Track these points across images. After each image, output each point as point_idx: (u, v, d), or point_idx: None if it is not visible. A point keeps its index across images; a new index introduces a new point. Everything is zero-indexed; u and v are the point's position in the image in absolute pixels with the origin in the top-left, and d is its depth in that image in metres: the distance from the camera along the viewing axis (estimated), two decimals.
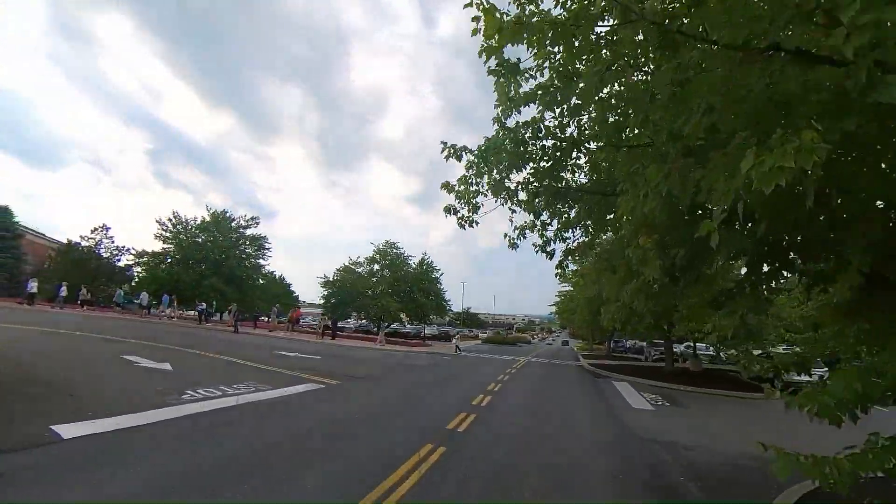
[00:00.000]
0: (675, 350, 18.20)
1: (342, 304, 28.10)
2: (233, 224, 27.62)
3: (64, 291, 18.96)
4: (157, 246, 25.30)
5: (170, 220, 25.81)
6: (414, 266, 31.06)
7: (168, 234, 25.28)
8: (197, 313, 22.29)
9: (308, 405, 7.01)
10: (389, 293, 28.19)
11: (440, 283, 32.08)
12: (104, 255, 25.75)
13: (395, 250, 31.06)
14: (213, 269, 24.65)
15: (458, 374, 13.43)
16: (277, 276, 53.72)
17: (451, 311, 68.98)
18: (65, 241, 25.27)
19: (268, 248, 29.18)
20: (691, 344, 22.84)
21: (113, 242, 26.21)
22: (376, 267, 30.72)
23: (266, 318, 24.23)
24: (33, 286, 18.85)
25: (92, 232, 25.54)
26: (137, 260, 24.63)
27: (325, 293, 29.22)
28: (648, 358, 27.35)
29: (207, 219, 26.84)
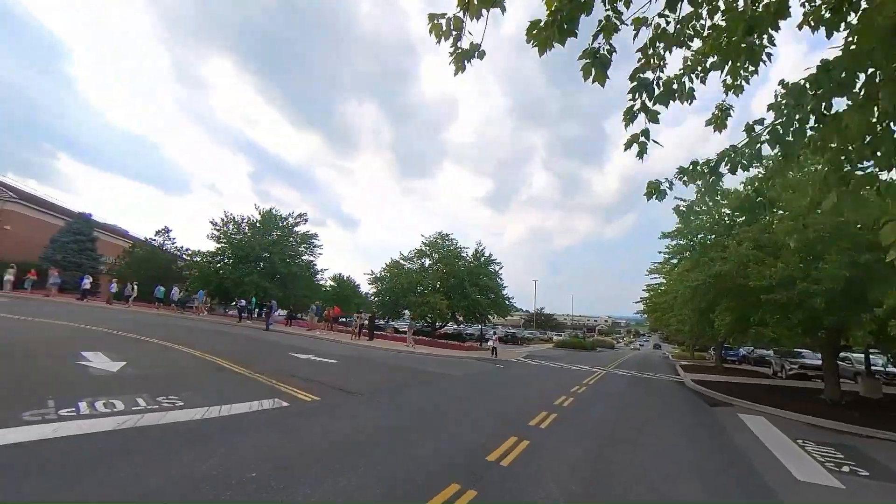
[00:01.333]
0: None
1: (390, 302, 26.02)
2: (282, 222, 27.16)
3: (114, 288, 19.51)
4: (213, 246, 25.65)
5: (221, 219, 26.03)
6: (469, 259, 27.87)
7: (220, 234, 25.44)
8: (237, 310, 21.83)
9: (221, 440, 4.43)
10: (439, 289, 25.35)
11: (500, 278, 28.41)
12: (167, 255, 26.98)
13: (447, 242, 28.20)
14: (256, 267, 24.26)
15: (493, 392, 10.00)
16: (345, 277, 54.75)
17: (520, 311, 64.34)
18: (135, 242, 26.97)
19: (318, 246, 28.31)
20: (848, 355, 16.09)
21: (174, 243, 27.48)
22: (427, 262, 28.15)
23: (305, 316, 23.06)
24: (87, 283, 19.69)
25: (156, 234, 27.02)
26: (191, 259, 25.22)
27: (374, 290, 27.46)
28: (779, 373, 20.69)
29: (257, 217, 26.69)
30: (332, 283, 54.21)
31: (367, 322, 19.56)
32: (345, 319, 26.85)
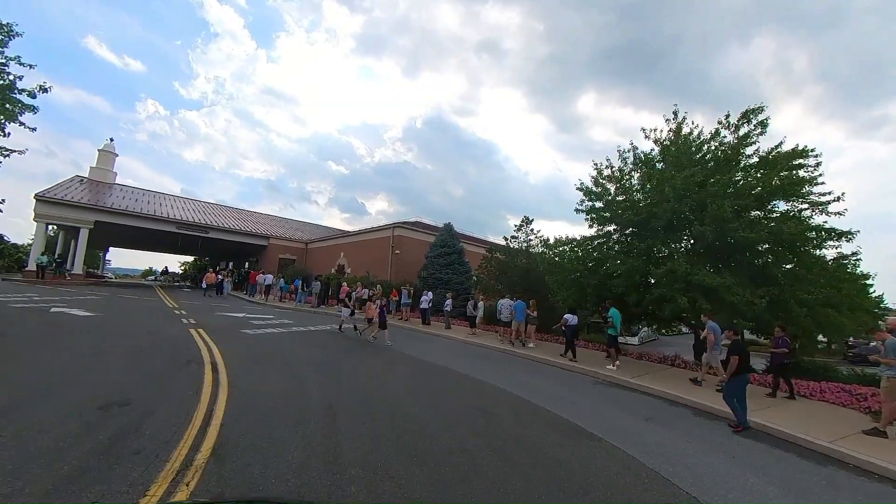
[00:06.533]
0: None
1: None
2: (710, 145, 12.55)
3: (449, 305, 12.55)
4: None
5: (594, 177, 15.11)
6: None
7: (592, 199, 14.63)
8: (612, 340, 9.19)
9: None
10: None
11: None
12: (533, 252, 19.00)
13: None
14: (678, 242, 10.87)
15: None
16: None
17: None
18: (491, 247, 21.03)
19: (819, 183, 11.17)
20: None
21: (539, 237, 19.15)
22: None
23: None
24: (425, 301, 13.90)
25: (517, 230, 19.81)
26: (550, 252, 15.52)
27: None
28: None
29: (654, 150, 13.75)
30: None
31: None
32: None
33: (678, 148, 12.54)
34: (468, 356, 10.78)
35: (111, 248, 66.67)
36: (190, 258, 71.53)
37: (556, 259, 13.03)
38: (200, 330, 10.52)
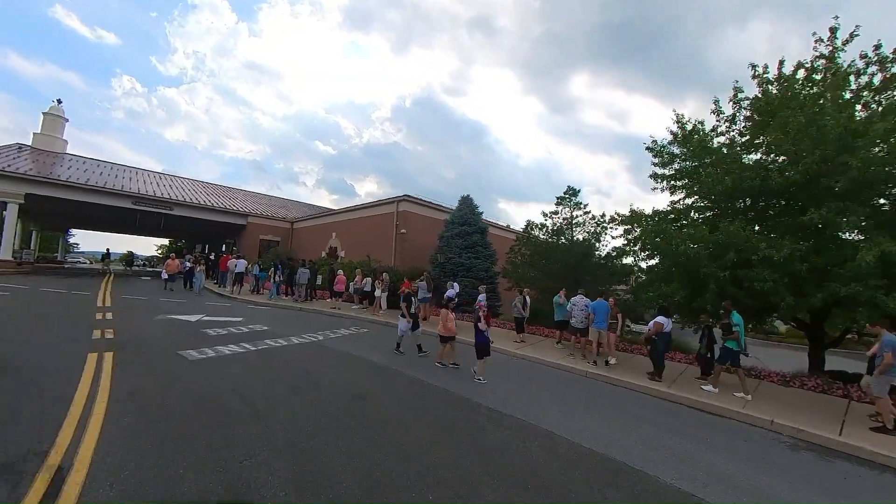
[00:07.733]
0: None
1: None
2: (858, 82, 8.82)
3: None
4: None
5: (674, 132, 11.41)
6: None
7: (686, 165, 11.07)
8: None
9: None
10: None
11: None
12: (578, 236, 15.05)
13: None
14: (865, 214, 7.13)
15: None
16: None
17: None
18: (527, 227, 16.99)
19: None
20: None
21: (588, 213, 15.13)
22: None
23: None
24: (452, 293, 9.98)
25: (557, 203, 15.73)
26: (623, 232, 11.58)
27: None
28: None
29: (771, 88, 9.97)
30: None
31: None
32: None
33: (842, 77, 8.70)
34: (547, 390, 6.87)
35: (76, 231, 60.87)
36: (164, 241, 66.26)
37: (660, 241, 9.11)
38: (109, 354, 6.42)
